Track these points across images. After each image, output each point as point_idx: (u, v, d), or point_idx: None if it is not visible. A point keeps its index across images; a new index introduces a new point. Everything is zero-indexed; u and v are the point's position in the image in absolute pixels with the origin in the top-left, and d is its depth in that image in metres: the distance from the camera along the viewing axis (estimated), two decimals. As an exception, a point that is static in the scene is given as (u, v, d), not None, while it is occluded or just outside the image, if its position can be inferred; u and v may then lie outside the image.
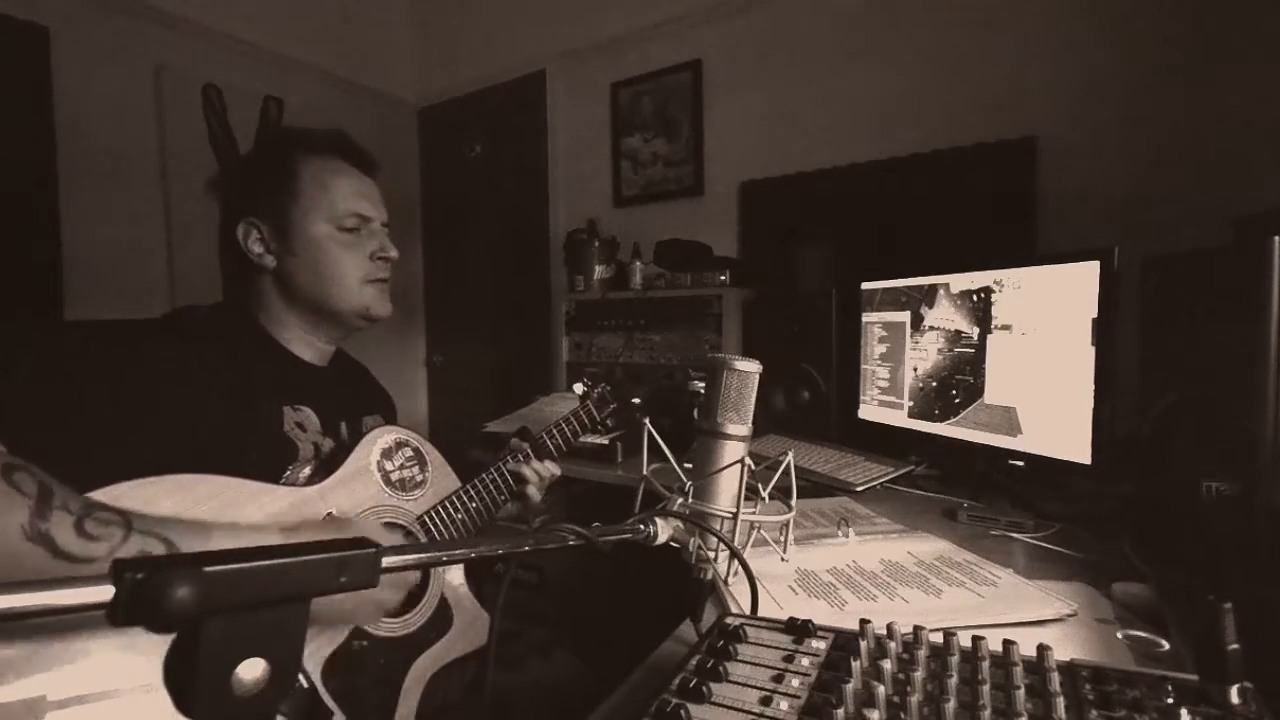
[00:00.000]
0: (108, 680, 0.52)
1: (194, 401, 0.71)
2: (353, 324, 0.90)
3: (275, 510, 0.73)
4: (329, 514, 0.78)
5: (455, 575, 0.93)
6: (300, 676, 0.71)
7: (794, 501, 0.83)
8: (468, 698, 0.88)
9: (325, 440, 0.86)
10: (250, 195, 0.85)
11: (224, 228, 0.86)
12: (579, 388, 1.17)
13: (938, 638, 0.48)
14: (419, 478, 0.90)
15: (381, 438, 0.88)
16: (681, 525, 0.65)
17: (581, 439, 1.14)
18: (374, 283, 0.89)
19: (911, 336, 1.37)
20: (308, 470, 0.82)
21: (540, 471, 1.02)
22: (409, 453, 0.90)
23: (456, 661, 0.89)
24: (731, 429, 0.76)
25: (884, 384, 1.46)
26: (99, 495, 0.60)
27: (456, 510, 0.92)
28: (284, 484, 0.77)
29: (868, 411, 1.51)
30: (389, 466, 0.87)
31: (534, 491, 1.02)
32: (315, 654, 0.73)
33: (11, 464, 0.50)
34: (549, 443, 1.05)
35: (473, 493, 0.95)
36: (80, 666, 0.52)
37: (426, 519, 0.89)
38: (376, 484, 0.85)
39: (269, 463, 0.78)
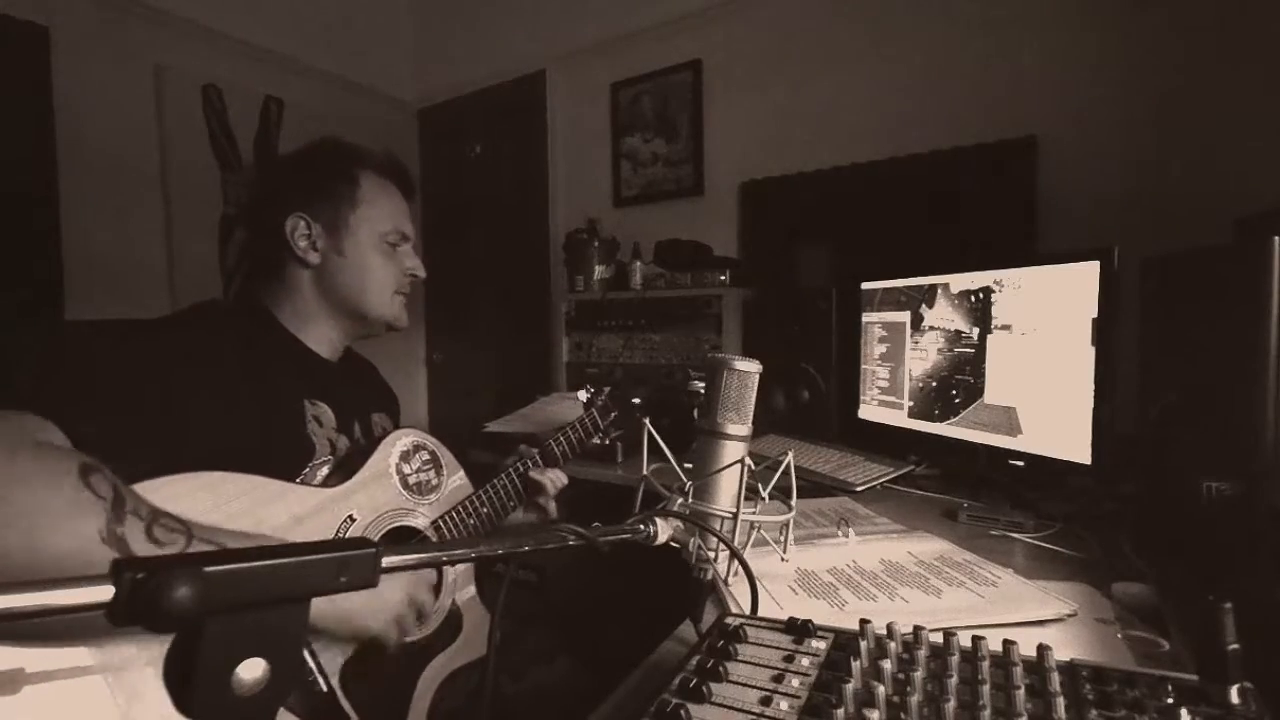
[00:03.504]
0: (87, 656, 0.52)
1: (218, 395, 0.71)
2: (375, 329, 0.95)
3: (300, 511, 0.73)
4: (350, 515, 0.78)
5: (466, 584, 0.93)
6: (320, 681, 0.71)
7: (794, 501, 0.83)
8: (471, 705, 0.88)
9: (340, 437, 0.86)
10: (308, 192, 0.87)
11: (265, 217, 0.87)
12: (582, 395, 1.18)
13: (938, 638, 0.48)
14: (434, 481, 0.91)
15: (400, 440, 0.89)
16: (681, 525, 0.65)
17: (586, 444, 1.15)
18: (400, 295, 0.96)
19: (911, 336, 1.37)
20: (325, 470, 0.82)
21: (554, 480, 1.03)
22: (425, 456, 0.92)
23: (463, 669, 0.89)
24: (731, 429, 0.76)
25: (884, 384, 1.46)
26: None
27: (469, 515, 0.93)
28: (305, 483, 0.77)
29: (868, 411, 1.51)
30: (407, 470, 0.88)
31: (547, 502, 1.03)
32: (333, 660, 0.73)
33: (88, 465, 0.52)
34: (555, 450, 1.06)
35: (484, 498, 0.96)
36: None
37: (441, 523, 0.90)
38: (395, 487, 0.86)
39: (290, 459, 0.78)
